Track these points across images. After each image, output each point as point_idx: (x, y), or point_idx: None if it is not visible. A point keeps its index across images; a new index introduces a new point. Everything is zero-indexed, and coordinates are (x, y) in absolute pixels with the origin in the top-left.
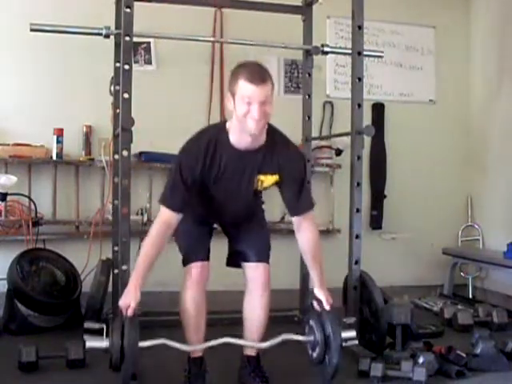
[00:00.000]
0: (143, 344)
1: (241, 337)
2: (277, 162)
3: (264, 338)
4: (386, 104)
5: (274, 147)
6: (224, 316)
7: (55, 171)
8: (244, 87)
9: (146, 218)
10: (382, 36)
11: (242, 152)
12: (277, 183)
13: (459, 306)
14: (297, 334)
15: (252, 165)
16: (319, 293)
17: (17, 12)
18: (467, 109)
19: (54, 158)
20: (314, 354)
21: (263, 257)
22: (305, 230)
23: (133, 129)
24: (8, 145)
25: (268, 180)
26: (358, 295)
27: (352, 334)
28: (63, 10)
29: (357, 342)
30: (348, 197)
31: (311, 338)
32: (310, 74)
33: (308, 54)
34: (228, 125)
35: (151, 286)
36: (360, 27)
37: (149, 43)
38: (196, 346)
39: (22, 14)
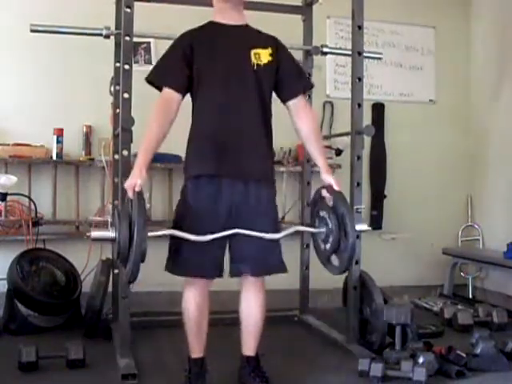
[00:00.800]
0: (151, 234)
1: (240, 338)
2: (264, 38)
3: (263, 338)
4: (386, 104)
5: (257, 30)
6: (225, 316)
7: (55, 171)
8: None
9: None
10: (382, 36)
11: (230, 26)
12: (272, 62)
13: (459, 306)
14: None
15: (242, 38)
16: (327, 177)
17: (17, 12)
18: (467, 109)
19: (54, 158)
20: (328, 245)
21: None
22: (305, 115)
23: (133, 129)
24: (8, 145)
25: (263, 54)
26: (358, 295)
27: (363, 225)
28: (63, 10)
29: (370, 228)
30: (348, 197)
31: (323, 228)
32: (309, 74)
33: (308, 54)
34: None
35: (151, 286)
36: (360, 27)
37: (149, 43)
38: (204, 237)
39: (22, 14)
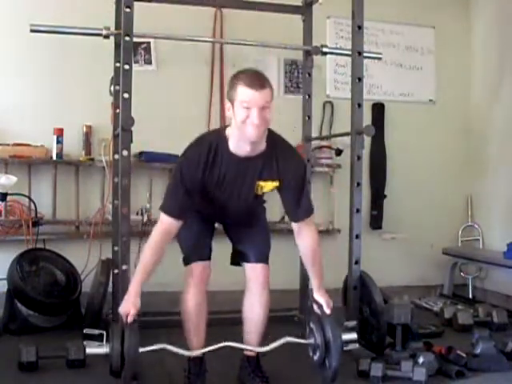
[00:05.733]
0: (143, 349)
1: (242, 336)
2: (276, 168)
3: (264, 337)
4: (386, 104)
5: (274, 154)
6: (224, 316)
7: (55, 171)
8: (243, 92)
9: (146, 218)
10: (382, 36)
11: (242, 159)
12: (277, 188)
13: (459, 306)
14: (298, 336)
15: (252, 172)
16: (319, 297)
17: (17, 12)
18: (467, 109)
19: (54, 158)
20: (315, 357)
21: (262, 258)
22: (305, 236)
23: (133, 129)
24: (8, 145)
25: (268, 186)
26: (358, 295)
27: (353, 336)
28: (63, 9)
29: (357, 345)
30: (348, 197)
31: (312, 340)
32: (309, 74)
33: (308, 54)
34: (227, 132)
35: (151, 286)
36: (360, 27)
37: (149, 43)
38: (196, 350)
39: (22, 14)
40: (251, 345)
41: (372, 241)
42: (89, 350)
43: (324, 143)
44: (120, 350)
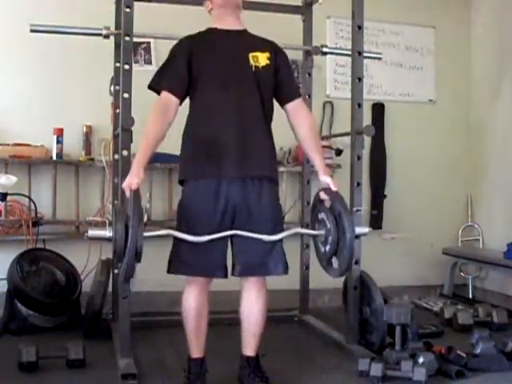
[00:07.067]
0: (148, 234)
1: (240, 337)
2: (263, 42)
3: (263, 338)
4: (386, 104)
5: (255, 35)
6: (224, 316)
7: (55, 171)
8: None
9: (146, 218)
10: (382, 36)
11: (229, 31)
12: (271, 68)
13: (459, 306)
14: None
15: (241, 43)
16: (324, 178)
17: (17, 12)
18: (467, 109)
19: (54, 158)
20: (327, 247)
21: (248, 270)
22: (302, 116)
23: (133, 129)
24: (8, 145)
25: (262, 57)
26: (358, 295)
27: (364, 230)
28: (63, 9)
29: (367, 230)
30: (348, 197)
31: (322, 230)
32: (309, 74)
33: (308, 54)
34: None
35: (151, 286)
36: (360, 27)
37: (149, 43)
38: (201, 237)
39: (22, 14)
40: (249, 346)
41: (372, 241)
42: (91, 233)
43: (324, 143)
44: (124, 230)
